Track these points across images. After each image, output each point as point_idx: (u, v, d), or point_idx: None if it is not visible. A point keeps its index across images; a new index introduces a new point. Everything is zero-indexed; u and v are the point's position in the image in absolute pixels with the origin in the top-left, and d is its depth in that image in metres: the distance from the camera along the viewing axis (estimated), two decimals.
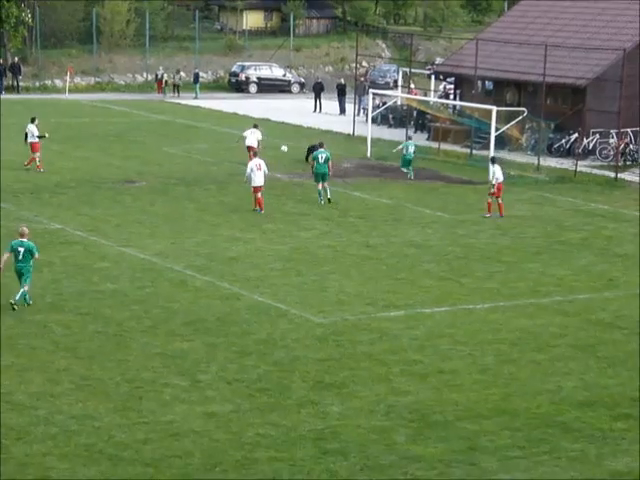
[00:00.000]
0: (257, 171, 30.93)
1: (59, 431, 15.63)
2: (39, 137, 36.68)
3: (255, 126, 38.76)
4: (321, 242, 28.09)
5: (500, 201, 31.89)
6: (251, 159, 32.78)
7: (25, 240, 21.39)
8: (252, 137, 37.89)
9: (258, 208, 31.08)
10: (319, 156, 32.70)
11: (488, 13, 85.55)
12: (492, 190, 31.81)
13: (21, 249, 21.28)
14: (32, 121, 37.25)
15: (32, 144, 36.68)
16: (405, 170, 37.73)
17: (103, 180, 35.29)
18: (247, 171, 31.24)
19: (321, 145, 33.72)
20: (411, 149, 37.85)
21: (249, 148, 37.41)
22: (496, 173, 31.81)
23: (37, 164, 36.36)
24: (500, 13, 73.45)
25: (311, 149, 37.08)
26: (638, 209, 33.67)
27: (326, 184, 32.77)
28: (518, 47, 45.40)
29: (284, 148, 37.35)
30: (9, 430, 15.57)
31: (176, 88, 61.89)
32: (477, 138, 43.75)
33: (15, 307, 21.07)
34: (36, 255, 21.42)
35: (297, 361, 18.93)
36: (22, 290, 21.20)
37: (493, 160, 32.98)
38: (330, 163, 32.76)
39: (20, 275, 21.33)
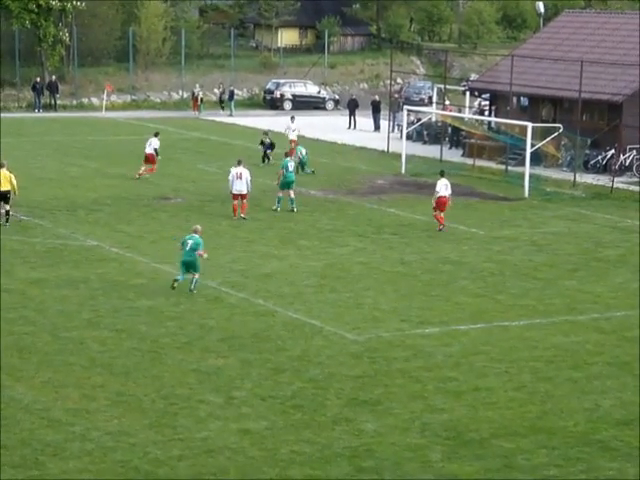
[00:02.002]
0: (236, 179, 31.90)
1: (95, 447, 15.70)
2: (155, 150, 38.59)
3: (156, 134, 39.43)
4: (355, 259, 28.06)
5: (442, 215, 31.57)
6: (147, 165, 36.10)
7: (196, 235, 24.25)
8: (149, 147, 38.90)
9: (242, 215, 31.99)
10: (288, 165, 33.96)
11: (523, 29, 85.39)
12: (433, 204, 31.74)
13: (190, 242, 24.12)
14: (155, 135, 39.31)
15: (148, 155, 38.50)
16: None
17: (139, 197, 35.51)
18: (229, 178, 32.42)
19: (286, 155, 35.30)
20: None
21: (147, 156, 38.63)
22: (438, 186, 31.68)
23: (141, 172, 38.35)
24: (535, 29, 73.25)
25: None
26: None
27: (291, 193, 33.66)
28: (554, 63, 45.24)
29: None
30: (45, 446, 15.66)
31: (221, 104, 62.47)
32: (512, 154, 43.60)
33: (174, 287, 23.89)
34: (199, 251, 24.08)
35: (332, 378, 18.90)
36: (195, 278, 24.03)
37: (442, 173, 32.78)
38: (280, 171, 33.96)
39: (188, 265, 24.08)
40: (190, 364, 19.42)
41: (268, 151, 42.92)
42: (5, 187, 30.02)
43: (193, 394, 17.92)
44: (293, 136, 45.31)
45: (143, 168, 38.58)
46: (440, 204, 31.66)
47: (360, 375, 19.09)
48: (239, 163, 32.53)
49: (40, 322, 21.64)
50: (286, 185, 33.80)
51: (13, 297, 23.39)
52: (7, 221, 30.19)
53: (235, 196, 32.16)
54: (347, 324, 22.16)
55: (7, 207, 30.21)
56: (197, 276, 24.18)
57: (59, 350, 19.98)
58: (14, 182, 30.11)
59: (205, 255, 24.35)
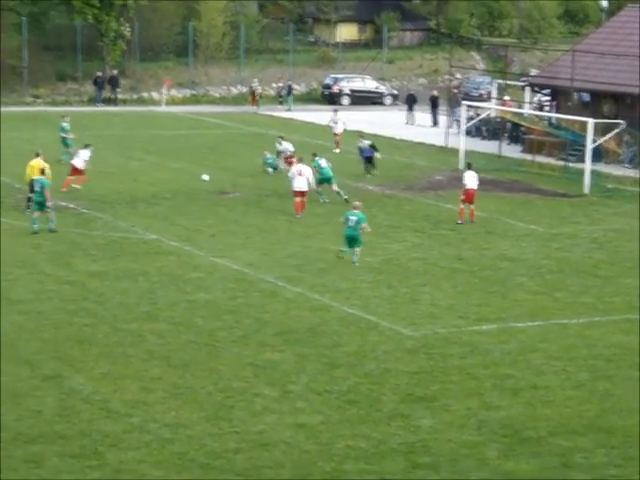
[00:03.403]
0: (297, 176, 31.50)
1: (153, 439, 15.85)
2: (85, 162, 34.82)
3: (86, 146, 35.05)
4: (412, 254, 27.97)
5: (472, 207, 31.46)
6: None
7: (356, 211, 26.06)
8: (78, 159, 34.58)
9: (298, 213, 31.60)
10: (320, 162, 33.72)
11: (585, 24, 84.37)
12: (462, 196, 31.63)
13: (353, 218, 25.89)
14: (86, 147, 35.26)
15: (75, 167, 34.55)
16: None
17: (197, 191, 35.75)
18: (289, 175, 32.19)
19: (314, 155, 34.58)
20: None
21: (73, 169, 34.43)
22: (466, 179, 31.44)
23: (69, 183, 34.46)
24: (598, 24, 72.33)
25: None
26: None
27: (334, 187, 33.72)
28: (616, 59, 44.62)
29: (205, 177, 36.51)
30: (104, 437, 15.84)
31: (279, 98, 62.75)
32: (573, 150, 43.13)
33: (340, 257, 26.12)
34: (364, 225, 25.92)
35: (387, 373, 18.87)
36: (357, 251, 26.03)
37: (469, 166, 32.52)
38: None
39: (351, 240, 25.96)
40: (246, 358, 19.51)
41: (368, 155, 38.91)
42: (38, 176, 30.18)
43: (249, 387, 18.01)
44: (338, 129, 45.18)
45: (71, 178, 34.47)
46: (468, 196, 31.53)
47: (416, 371, 19.03)
48: (300, 160, 32.33)
49: (100, 314, 21.89)
50: (325, 181, 33.74)
51: (74, 289, 23.69)
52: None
53: (297, 193, 31.71)
54: (403, 320, 22.11)
55: None
56: (359, 250, 26.09)
57: (118, 342, 20.20)
58: (47, 172, 29.67)
59: (368, 229, 26.13)
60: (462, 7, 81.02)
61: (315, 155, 34.78)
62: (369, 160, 39.02)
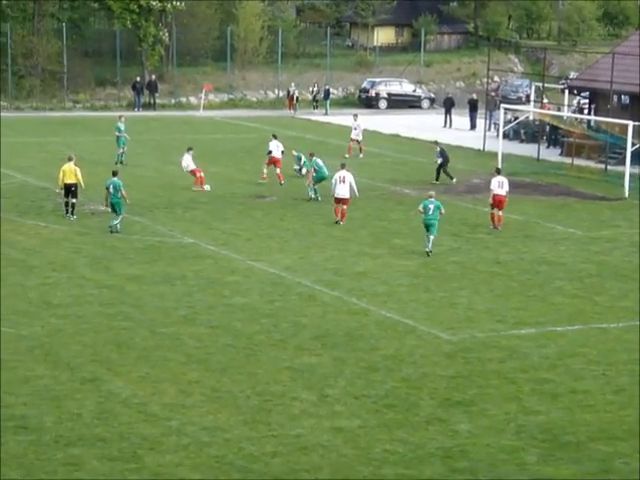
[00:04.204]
0: (340, 183, 31.11)
1: (191, 442, 15.90)
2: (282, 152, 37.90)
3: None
4: (450, 258, 27.87)
5: (500, 213, 31.08)
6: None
7: (432, 199, 27.87)
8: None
9: (340, 222, 31.17)
10: (317, 161, 34.56)
11: (625, 26, 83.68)
12: (490, 202, 31.42)
13: (431, 206, 27.71)
14: (275, 137, 38.38)
15: (273, 158, 37.49)
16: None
17: (234, 195, 35.85)
18: (332, 181, 31.82)
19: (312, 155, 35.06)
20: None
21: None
22: (493, 184, 31.26)
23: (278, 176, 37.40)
24: (638, 26, 71.73)
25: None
26: None
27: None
28: None
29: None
30: (143, 440, 15.92)
31: (314, 103, 62.80)
32: (612, 153, 42.78)
33: (429, 254, 27.51)
34: (442, 210, 27.80)
35: (425, 378, 18.81)
36: (432, 237, 27.75)
37: (498, 171, 32.39)
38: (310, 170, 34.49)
39: (429, 226, 27.72)
40: (284, 361, 19.53)
41: (439, 160, 38.73)
42: (71, 180, 30.84)
43: (287, 391, 18.02)
44: (355, 135, 44.83)
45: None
46: (496, 202, 31.21)
47: (454, 375, 18.96)
48: (342, 167, 31.62)
49: (138, 318, 22.02)
50: (323, 179, 34.27)
51: (112, 293, 23.85)
52: (73, 214, 30.95)
53: (337, 200, 31.18)
54: (441, 324, 22.03)
55: (74, 200, 31.01)
56: (433, 237, 27.77)
57: (156, 345, 20.29)
58: (79, 176, 30.93)
59: (443, 211, 27.89)
60: (500, 10, 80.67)
61: (312, 155, 35.04)
62: (441, 166, 38.93)
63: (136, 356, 19.66)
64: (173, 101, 64.16)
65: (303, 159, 38.67)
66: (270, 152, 37.87)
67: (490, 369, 19.33)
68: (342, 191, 31.11)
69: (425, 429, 16.52)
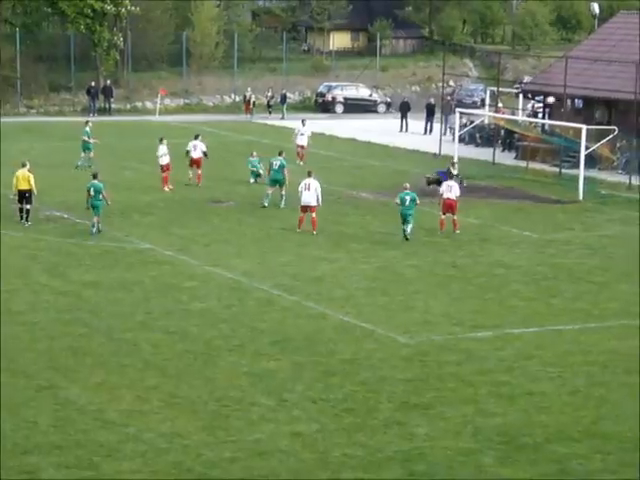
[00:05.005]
0: (305, 191, 30.92)
1: (148, 449, 15.82)
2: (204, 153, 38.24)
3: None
4: (407, 262, 27.99)
5: (455, 217, 31.15)
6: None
7: (408, 191, 29.67)
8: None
9: (313, 232, 30.58)
10: (273, 162, 34.31)
11: (578, 31, 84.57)
12: (440, 205, 31.53)
13: (407, 198, 29.49)
14: (196, 137, 38.88)
15: (192, 159, 38.04)
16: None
17: (191, 200, 35.73)
18: (299, 189, 31.39)
19: (280, 154, 34.83)
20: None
21: None
22: (443, 188, 31.43)
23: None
24: (590, 30, 72.52)
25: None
26: None
27: (283, 191, 34.14)
28: (608, 65, 44.75)
29: (167, 189, 36.92)
30: (100, 447, 15.81)
31: (268, 108, 62.69)
32: (566, 157, 43.21)
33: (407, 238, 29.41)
34: (417, 201, 29.67)
35: (383, 381, 18.87)
36: (411, 226, 29.62)
37: (450, 175, 32.59)
38: (285, 170, 34.11)
39: (406, 217, 29.58)
40: (242, 366, 19.50)
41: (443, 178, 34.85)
42: (24, 186, 30.80)
43: (245, 396, 17.99)
44: (302, 141, 44.41)
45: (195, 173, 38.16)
46: (446, 206, 31.27)
47: (412, 379, 19.03)
48: (309, 174, 31.40)
49: (94, 324, 21.88)
50: (276, 182, 34.24)
51: (68, 299, 23.67)
52: (27, 220, 30.91)
53: (303, 208, 30.91)
54: (398, 327, 22.11)
55: (28, 206, 30.95)
56: (411, 226, 29.58)
57: (113, 352, 20.17)
58: (32, 182, 30.88)
59: (418, 202, 29.76)
60: (454, 14, 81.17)
61: (281, 154, 34.89)
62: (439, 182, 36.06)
63: (93, 363, 19.52)
64: (128, 106, 63.80)
65: (259, 164, 38.83)
66: (187, 152, 38.18)
67: (447, 372, 19.44)
68: (308, 198, 30.91)
69: (383, 432, 16.57)
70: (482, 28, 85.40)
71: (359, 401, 17.87)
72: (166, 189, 36.86)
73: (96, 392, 18.03)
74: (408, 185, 30.20)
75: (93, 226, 30.14)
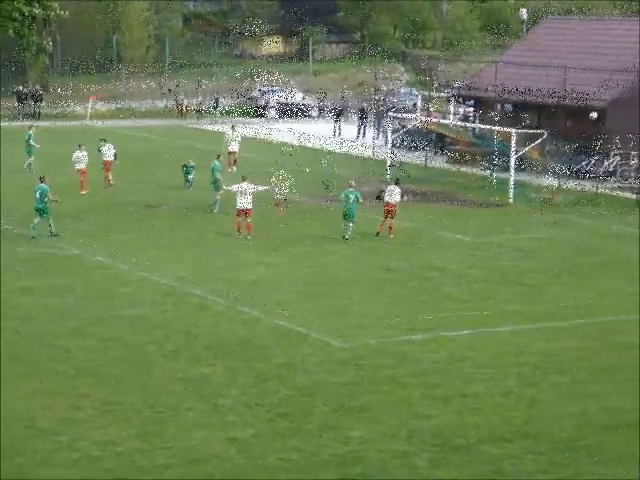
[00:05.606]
0: (240, 195, 30.98)
1: (82, 456, 15.66)
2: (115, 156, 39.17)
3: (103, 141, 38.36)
4: (342, 266, 28.08)
5: (392, 221, 31.47)
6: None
7: (353, 189, 30.27)
8: None
9: (247, 236, 30.70)
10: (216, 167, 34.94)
11: (507, 36, 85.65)
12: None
13: (351, 196, 30.08)
14: (104, 141, 39.78)
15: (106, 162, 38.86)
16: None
17: (123, 205, 35.45)
18: (233, 190, 31.60)
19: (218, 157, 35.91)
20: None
21: None
22: (386, 193, 32.02)
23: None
24: (519, 35, 73.53)
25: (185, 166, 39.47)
26: None
27: (217, 196, 34.38)
28: (537, 69, 45.41)
29: (83, 192, 37.40)
30: (33, 455, 15.61)
31: (198, 113, 62.34)
32: (496, 161, 43.69)
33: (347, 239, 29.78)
34: (360, 199, 30.27)
35: (318, 385, 18.91)
36: (352, 226, 30.16)
37: (396, 181, 32.90)
38: (218, 175, 34.66)
39: (349, 214, 30.17)
40: (176, 372, 19.39)
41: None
42: None
43: (179, 402, 17.90)
44: (233, 147, 44.36)
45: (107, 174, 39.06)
46: (385, 211, 31.64)
47: (347, 382, 19.10)
48: (243, 179, 31.30)
49: (26, 331, 21.58)
50: (213, 183, 34.71)
51: None
52: None
53: (239, 212, 30.97)
54: (333, 331, 22.17)
55: None
56: (353, 225, 29.92)
57: (46, 359, 19.93)
58: None
59: (362, 200, 30.28)
60: (386, 20, 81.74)
61: (218, 158, 35.65)
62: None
63: (25, 370, 19.26)
64: (58, 111, 63.09)
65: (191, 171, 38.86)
66: (101, 153, 38.96)
67: (382, 375, 19.54)
68: (243, 203, 30.91)
69: (319, 436, 16.60)
70: (413, 33, 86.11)
71: (294, 405, 17.89)
72: (83, 192, 37.08)
73: (29, 400, 17.79)
74: (353, 183, 30.82)
75: (34, 228, 29.89)
